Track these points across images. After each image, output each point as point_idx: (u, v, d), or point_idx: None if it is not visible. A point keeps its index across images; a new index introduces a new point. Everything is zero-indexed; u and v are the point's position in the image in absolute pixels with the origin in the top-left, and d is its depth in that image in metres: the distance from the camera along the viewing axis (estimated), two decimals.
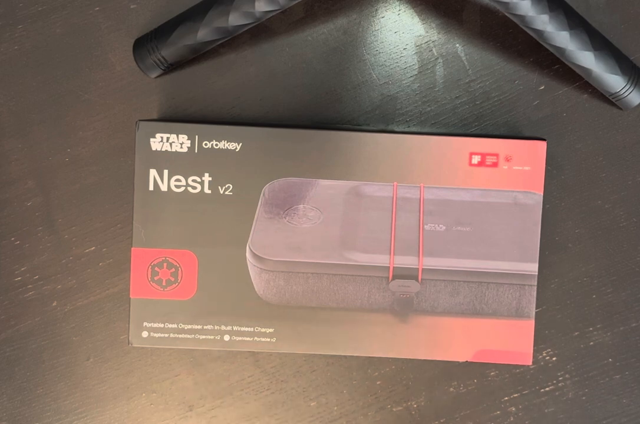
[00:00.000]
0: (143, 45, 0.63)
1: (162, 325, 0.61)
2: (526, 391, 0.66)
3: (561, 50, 0.60)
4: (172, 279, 0.61)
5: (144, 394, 0.67)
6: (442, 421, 0.66)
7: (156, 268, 0.60)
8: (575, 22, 0.59)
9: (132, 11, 0.65)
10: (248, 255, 0.60)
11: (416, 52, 0.65)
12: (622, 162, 0.65)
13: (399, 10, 0.65)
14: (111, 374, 0.67)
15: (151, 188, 0.60)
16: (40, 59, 0.65)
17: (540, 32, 0.59)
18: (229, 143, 0.60)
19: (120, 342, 0.67)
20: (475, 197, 0.60)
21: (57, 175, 0.66)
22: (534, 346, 0.63)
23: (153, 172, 0.60)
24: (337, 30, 0.65)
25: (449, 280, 0.60)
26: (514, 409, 0.66)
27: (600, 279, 0.65)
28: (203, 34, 0.60)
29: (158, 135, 0.60)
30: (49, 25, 0.65)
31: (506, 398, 0.66)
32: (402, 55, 0.65)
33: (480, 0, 0.65)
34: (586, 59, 0.60)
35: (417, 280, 0.60)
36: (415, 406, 0.66)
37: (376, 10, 0.65)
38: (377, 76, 0.65)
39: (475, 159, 0.60)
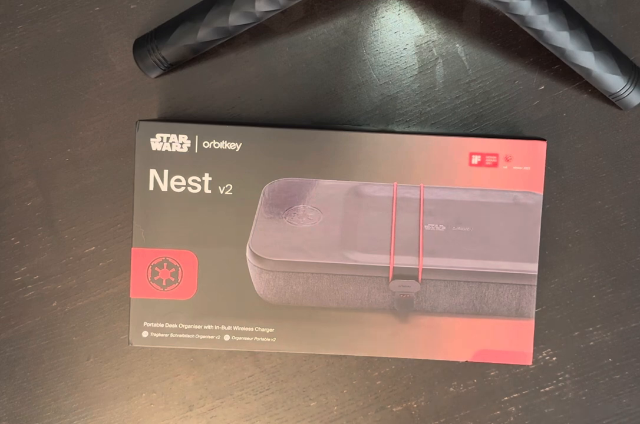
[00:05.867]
0: (143, 45, 0.63)
1: (162, 325, 0.61)
2: (526, 391, 0.66)
3: (561, 50, 0.60)
4: (172, 279, 0.61)
5: (144, 394, 0.67)
6: (442, 421, 0.66)
7: (156, 268, 0.60)
8: (575, 22, 0.59)
9: (132, 11, 0.65)
10: (248, 255, 0.60)
11: (416, 52, 0.65)
12: (622, 162, 0.65)
13: (399, 10, 0.65)
14: (111, 374, 0.67)
15: (151, 188, 0.60)
16: (40, 59, 0.65)
17: (540, 32, 0.59)
18: (229, 143, 0.60)
19: (120, 342, 0.67)
20: (475, 197, 0.60)
21: (57, 175, 0.66)
22: (534, 346, 0.63)
23: (153, 172, 0.60)
24: (337, 30, 0.65)
25: (449, 280, 0.60)
26: (514, 409, 0.66)
27: (600, 279, 0.65)
28: (203, 34, 0.60)
29: (158, 135, 0.60)
30: (49, 25, 0.65)
31: (506, 398, 0.66)
32: (402, 55, 0.65)
33: (480, 0, 0.65)
34: (586, 59, 0.60)
35: (417, 280, 0.60)
36: (415, 406, 0.66)
37: (376, 10, 0.65)
38: (377, 76, 0.65)
39: (475, 159, 0.60)
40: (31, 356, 0.67)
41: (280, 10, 0.60)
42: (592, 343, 0.66)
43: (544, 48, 0.62)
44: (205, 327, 0.61)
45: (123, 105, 0.66)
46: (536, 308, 0.65)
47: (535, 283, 0.60)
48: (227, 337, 0.61)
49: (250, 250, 0.60)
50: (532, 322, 0.60)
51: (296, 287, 0.60)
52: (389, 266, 0.60)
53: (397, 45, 0.65)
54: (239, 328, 0.61)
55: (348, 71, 0.65)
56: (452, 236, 0.60)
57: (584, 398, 0.66)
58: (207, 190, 0.60)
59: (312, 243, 0.60)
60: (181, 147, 0.60)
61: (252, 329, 0.61)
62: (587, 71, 0.61)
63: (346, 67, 0.65)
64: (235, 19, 0.60)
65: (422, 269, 0.60)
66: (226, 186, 0.60)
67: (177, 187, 0.60)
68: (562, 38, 0.59)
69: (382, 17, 0.65)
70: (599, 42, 0.60)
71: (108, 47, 0.65)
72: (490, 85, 0.65)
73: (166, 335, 0.61)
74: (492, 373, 0.66)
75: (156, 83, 0.65)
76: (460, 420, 0.66)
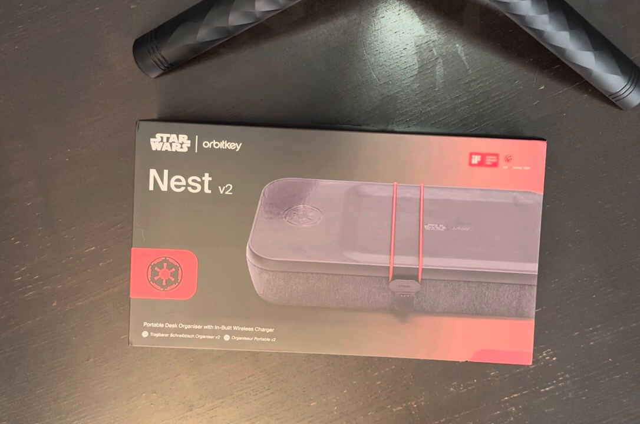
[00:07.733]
0: (143, 45, 0.63)
1: (162, 325, 0.61)
2: (526, 391, 0.66)
3: (561, 50, 0.60)
4: (172, 279, 0.61)
5: (144, 394, 0.67)
6: (442, 421, 0.66)
7: (156, 268, 0.60)
8: (575, 22, 0.59)
9: (132, 11, 0.65)
10: (248, 255, 0.60)
11: (416, 52, 0.65)
12: (622, 162, 0.65)
13: (399, 10, 0.65)
14: (111, 374, 0.67)
15: (151, 188, 0.60)
16: (40, 59, 0.65)
17: (540, 32, 0.59)
18: (229, 143, 0.60)
19: (120, 342, 0.67)
20: (475, 197, 0.60)
21: (57, 175, 0.66)
22: (534, 346, 0.63)
23: (153, 172, 0.60)
24: (337, 30, 0.65)
25: (449, 280, 0.60)
26: (514, 409, 0.66)
27: (600, 279, 0.65)
28: (203, 34, 0.60)
29: (158, 135, 0.60)
30: (49, 25, 0.65)
31: (506, 398, 0.66)
32: (402, 55, 0.65)
33: (480, 0, 0.65)
34: (586, 59, 0.60)
35: (417, 279, 0.60)
36: (415, 406, 0.66)
37: (376, 10, 0.65)
38: (377, 76, 0.65)
39: (475, 159, 0.60)
40: (31, 356, 0.67)
41: (280, 10, 0.60)
42: (592, 343, 0.66)
43: (544, 48, 0.62)
44: (205, 327, 0.61)
45: (123, 105, 0.66)
46: (536, 308, 0.65)
47: (535, 283, 0.60)
48: (227, 337, 0.61)
49: (250, 250, 0.60)
50: (532, 322, 0.60)
51: (296, 287, 0.60)
52: (388, 266, 0.60)
53: (397, 45, 0.65)
54: (239, 328, 0.61)
55: (348, 71, 0.65)
56: (452, 236, 0.60)
57: (584, 398, 0.66)
58: (207, 190, 0.60)
59: (312, 243, 0.60)
60: (181, 147, 0.60)
61: (252, 329, 0.61)
62: (587, 71, 0.61)
63: (346, 67, 0.65)
64: (235, 19, 0.60)
65: (422, 269, 0.60)
66: (226, 186, 0.60)
67: (177, 186, 0.60)
68: (562, 38, 0.59)
69: (382, 17, 0.65)
70: (599, 42, 0.60)
71: (108, 47, 0.65)
72: (490, 85, 0.65)
73: (166, 335, 0.61)
74: (492, 373, 0.66)
75: (156, 83, 0.65)
76: (460, 420, 0.66)
